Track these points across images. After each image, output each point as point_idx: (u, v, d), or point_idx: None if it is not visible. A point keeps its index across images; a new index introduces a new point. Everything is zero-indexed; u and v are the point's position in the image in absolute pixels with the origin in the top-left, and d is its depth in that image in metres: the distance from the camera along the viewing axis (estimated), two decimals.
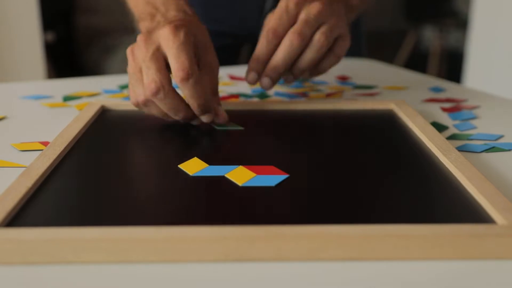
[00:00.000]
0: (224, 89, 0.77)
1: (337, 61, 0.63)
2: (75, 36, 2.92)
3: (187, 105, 0.54)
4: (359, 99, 0.68)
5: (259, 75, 0.60)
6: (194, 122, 0.56)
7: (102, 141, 0.52)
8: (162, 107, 0.53)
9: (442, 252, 0.33)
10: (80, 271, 0.32)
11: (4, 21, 1.98)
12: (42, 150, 0.50)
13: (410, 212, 0.38)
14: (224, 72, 0.88)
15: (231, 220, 0.35)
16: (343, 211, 0.38)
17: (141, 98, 0.53)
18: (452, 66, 2.97)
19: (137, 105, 0.55)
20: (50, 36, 2.62)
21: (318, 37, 0.60)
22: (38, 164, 0.43)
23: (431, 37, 3.30)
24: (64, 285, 0.31)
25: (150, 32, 0.55)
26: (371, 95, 0.73)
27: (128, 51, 0.55)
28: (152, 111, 0.55)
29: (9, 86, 0.86)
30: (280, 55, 0.59)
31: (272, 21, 0.61)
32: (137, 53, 0.54)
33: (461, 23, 2.97)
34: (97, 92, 0.75)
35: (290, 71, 0.62)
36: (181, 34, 0.53)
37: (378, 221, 0.34)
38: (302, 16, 0.60)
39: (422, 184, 0.42)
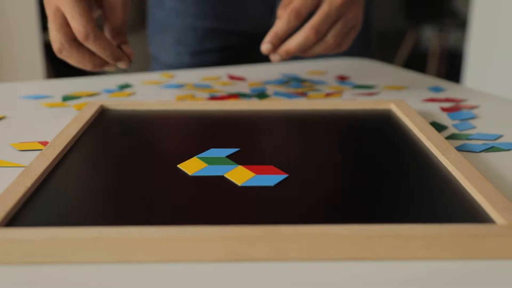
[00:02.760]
0: (224, 89, 0.77)
1: (338, 51, 0.67)
2: None
3: (91, 57, 0.61)
4: (358, 99, 0.68)
5: (274, 48, 0.65)
6: (108, 68, 0.63)
7: (101, 141, 0.52)
8: (68, 60, 0.62)
9: (442, 252, 0.33)
10: (80, 271, 0.32)
11: (3, 21, 1.98)
12: (41, 150, 0.50)
13: (410, 212, 0.38)
14: (223, 72, 0.88)
15: (230, 220, 0.35)
16: (342, 211, 0.38)
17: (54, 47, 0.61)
18: (451, 66, 2.97)
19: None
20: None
21: (330, 39, 0.64)
22: (37, 163, 0.43)
23: (430, 37, 3.30)
24: (63, 285, 0.31)
25: None
26: (371, 95, 0.73)
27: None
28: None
29: (8, 86, 0.86)
30: (295, 43, 0.63)
31: (296, 1, 0.64)
32: (46, 10, 0.61)
33: (461, 23, 2.98)
34: (97, 92, 0.75)
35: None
36: None
37: (377, 221, 0.34)
38: (324, 7, 0.63)
39: (421, 184, 0.42)
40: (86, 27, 0.58)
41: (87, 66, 0.62)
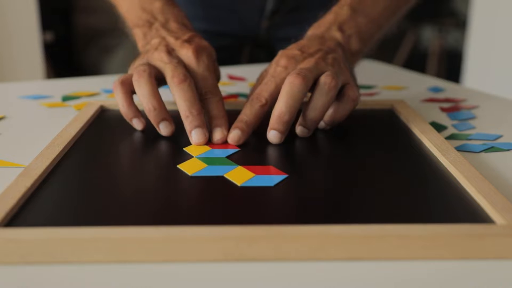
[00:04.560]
0: (223, 89, 0.77)
1: (353, 105, 0.54)
2: (74, 36, 2.92)
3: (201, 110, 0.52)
4: None
5: (243, 132, 0.51)
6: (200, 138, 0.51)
7: (101, 141, 0.52)
8: (181, 95, 0.51)
9: (441, 252, 0.33)
10: (79, 271, 0.32)
11: (3, 21, 1.98)
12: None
13: (409, 212, 0.38)
14: (223, 72, 0.87)
15: (230, 220, 0.35)
16: (342, 211, 0.38)
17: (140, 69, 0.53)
18: (451, 66, 2.97)
19: (125, 79, 0.54)
20: (49, 36, 2.62)
21: (324, 79, 0.51)
22: (37, 164, 0.43)
23: (430, 37, 3.30)
24: (63, 285, 0.31)
25: (172, 49, 0.56)
26: (371, 95, 0.74)
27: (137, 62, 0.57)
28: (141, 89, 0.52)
29: (8, 86, 0.86)
30: (282, 101, 0.50)
31: (257, 87, 0.55)
32: (155, 55, 0.56)
33: (460, 23, 2.98)
34: (96, 92, 0.75)
35: (302, 124, 0.53)
36: (204, 58, 0.56)
37: (377, 221, 0.34)
38: (296, 70, 0.52)
39: (421, 184, 0.42)
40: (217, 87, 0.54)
41: (192, 109, 0.51)
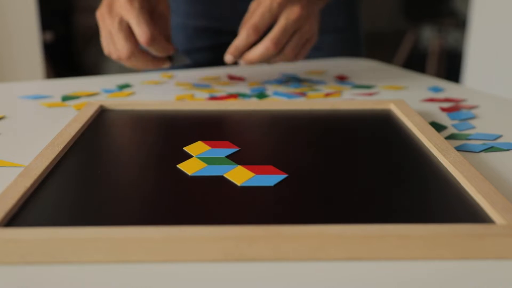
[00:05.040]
0: (223, 89, 0.77)
1: (295, 61, 0.75)
2: (74, 36, 2.92)
3: (153, 59, 0.71)
4: (357, 99, 0.68)
5: (236, 59, 0.72)
6: (164, 66, 0.74)
7: (100, 141, 0.52)
8: (134, 65, 0.71)
9: (441, 252, 0.33)
10: (79, 271, 0.32)
11: (2, 21, 1.98)
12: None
13: (409, 212, 0.38)
14: (223, 72, 0.87)
15: (230, 220, 0.35)
16: (342, 211, 0.38)
17: (116, 56, 0.70)
18: (451, 66, 2.97)
19: (109, 56, 0.71)
20: (49, 36, 2.62)
21: (288, 50, 0.71)
22: (36, 163, 0.43)
23: (430, 37, 3.31)
24: (63, 285, 0.31)
25: (110, 3, 0.68)
26: (370, 95, 0.74)
27: (98, 16, 0.70)
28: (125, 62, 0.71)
29: (8, 86, 0.86)
30: (257, 54, 0.70)
31: (255, 17, 0.70)
32: (106, 22, 0.68)
33: (460, 23, 2.98)
34: (96, 92, 0.75)
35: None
36: (136, 3, 0.66)
37: (377, 221, 0.34)
38: (282, 21, 0.69)
39: (421, 184, 0.42)
40: (151, 33, 0.66)
41: (149, 67, 0.72)
